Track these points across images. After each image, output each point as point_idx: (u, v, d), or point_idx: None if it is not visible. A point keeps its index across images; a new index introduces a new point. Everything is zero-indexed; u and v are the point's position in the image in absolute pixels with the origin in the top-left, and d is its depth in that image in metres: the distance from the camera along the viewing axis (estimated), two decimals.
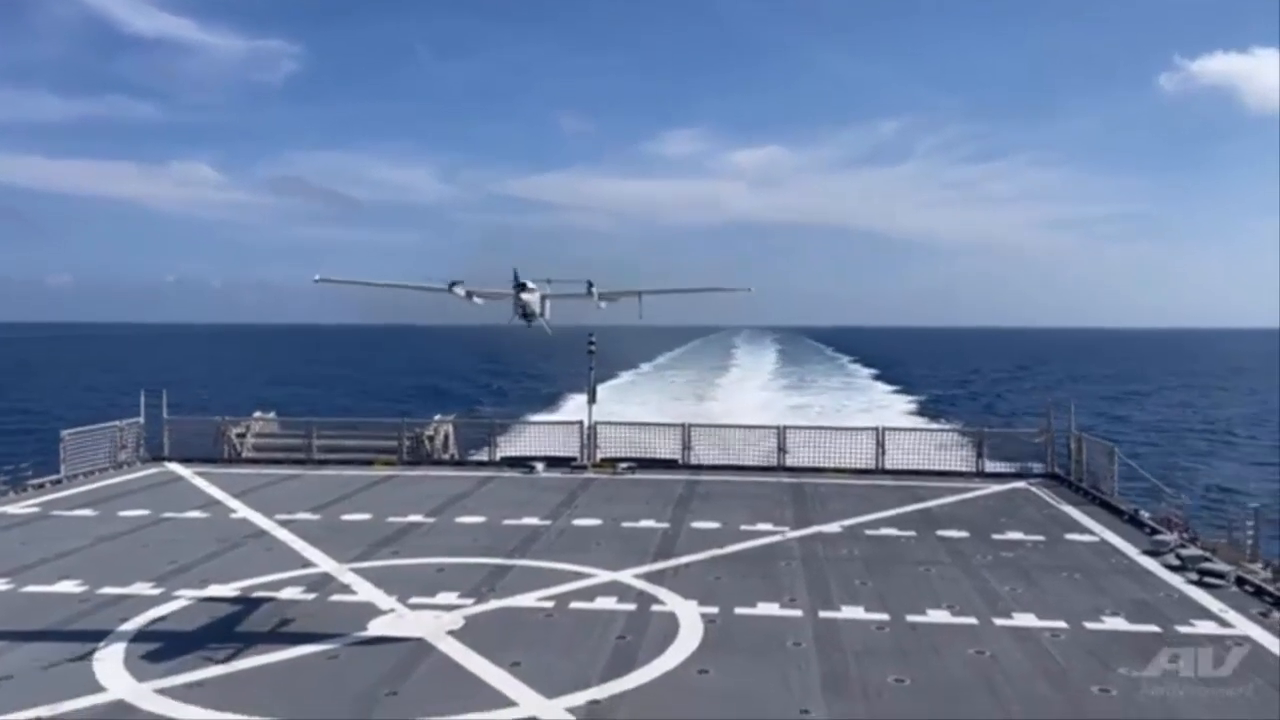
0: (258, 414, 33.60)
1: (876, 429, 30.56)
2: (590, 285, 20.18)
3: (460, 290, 19.77)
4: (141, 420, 30.93)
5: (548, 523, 22.33)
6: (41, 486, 26.28)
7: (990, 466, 29.33)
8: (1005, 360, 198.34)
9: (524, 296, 19.10)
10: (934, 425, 55.39)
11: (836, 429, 32.19)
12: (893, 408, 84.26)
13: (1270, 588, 16.47)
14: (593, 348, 29.54)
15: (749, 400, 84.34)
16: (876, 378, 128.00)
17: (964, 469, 29.06)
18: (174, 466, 29.88)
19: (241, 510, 23.76)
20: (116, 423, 30.13)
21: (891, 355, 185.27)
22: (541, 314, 20.32)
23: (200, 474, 28.59)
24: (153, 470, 29.45)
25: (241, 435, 32.11)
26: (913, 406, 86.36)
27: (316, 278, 25.19)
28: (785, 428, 30.69)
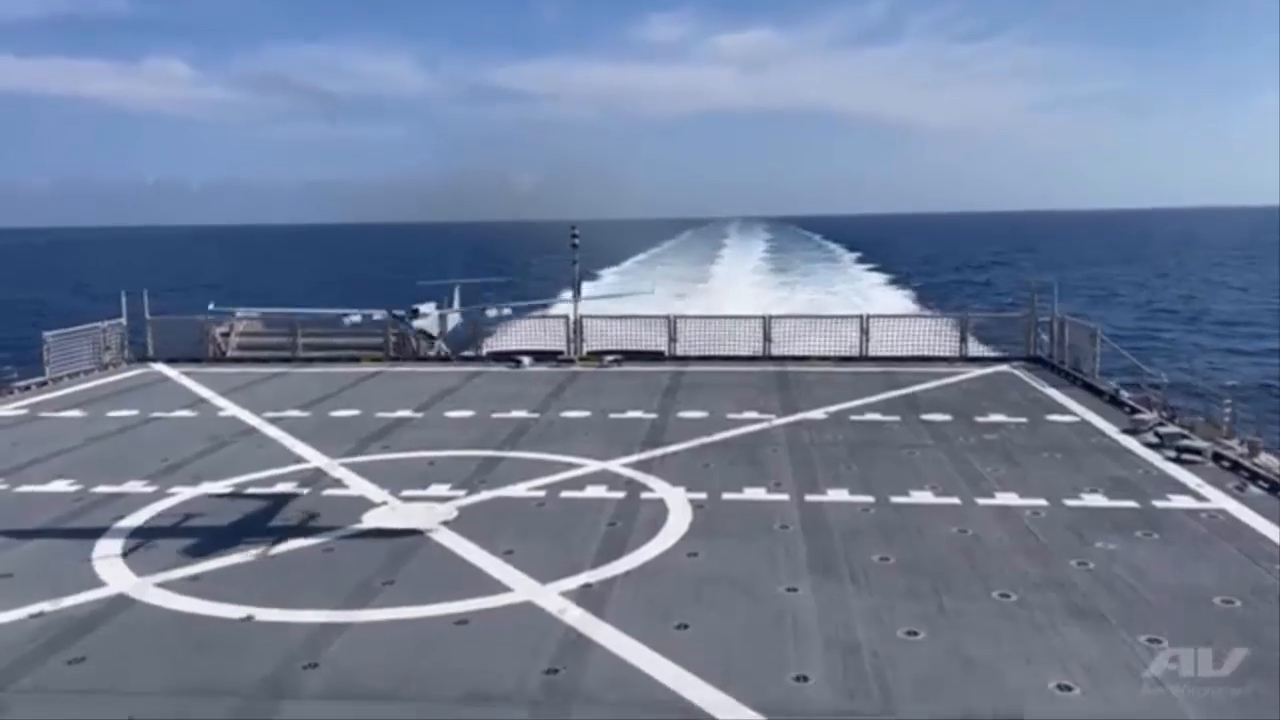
0: (241, 312, 33.36)
1: (861, 316, 30.61)
2: (484, 308, 23.85)
3: (355, 317, 19.44)
4: (124, 321, 30.69)
5: (536, 415, 22.44)
6: (27, 389, 26.22)
7: (973, 350, 29.50)
8: (995, 245, 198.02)
9: (417, 324, 18.41)
10: (918, 311, 55.64)
11: (821, 317, 32.22)
12: (878, 291, 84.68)
13: (1246, 462, 16.83)
14: (576, 241, 29.27)
15: (740, 285, 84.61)
16: (859, 260, 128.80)
17: (947, 354, 29.21)
18: (159, 367, 29.80)
19: (230, 408, 23.79)
20: (99, 324, 29.91)
21: (879, 242, 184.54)
22: (441, 333, 19.87)
23: (186, 374, 28.54)
24: (138, 371, 29.39)
25: (226, 334, 31.97)
26: (897, 291, 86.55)
27: (210, 306, 25.79)
28: (770, 317, 30.65)
